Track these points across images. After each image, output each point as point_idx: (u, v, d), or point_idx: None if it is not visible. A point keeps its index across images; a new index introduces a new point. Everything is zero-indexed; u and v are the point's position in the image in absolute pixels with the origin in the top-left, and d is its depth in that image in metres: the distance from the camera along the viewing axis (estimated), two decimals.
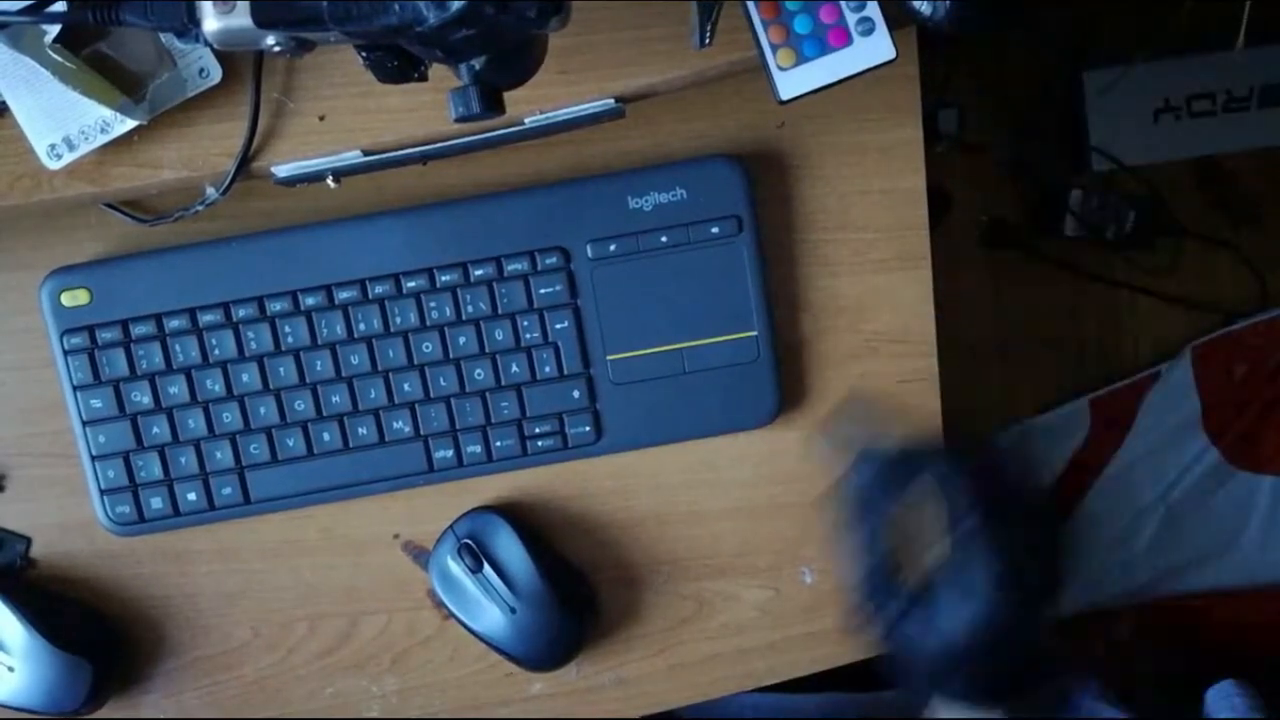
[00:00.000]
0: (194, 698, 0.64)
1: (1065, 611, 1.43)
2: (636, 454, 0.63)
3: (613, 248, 0.59)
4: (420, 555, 0.63)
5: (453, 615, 0.60)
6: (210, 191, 0.55)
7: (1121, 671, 1.36)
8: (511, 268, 0.59)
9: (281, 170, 0.54)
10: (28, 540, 0.62)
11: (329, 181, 0.55)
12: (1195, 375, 1.42)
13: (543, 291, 0.59)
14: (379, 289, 0.59)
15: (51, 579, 0.62)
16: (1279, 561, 1.41)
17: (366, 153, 0.54)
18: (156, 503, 0.60)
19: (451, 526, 0.60)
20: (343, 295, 0.59)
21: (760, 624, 0.64)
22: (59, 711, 0.59)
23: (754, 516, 0.64)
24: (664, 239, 0.59)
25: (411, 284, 0.59)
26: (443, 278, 0.59)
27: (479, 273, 0.59)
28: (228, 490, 0.60)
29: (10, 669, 0.58)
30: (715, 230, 0.59)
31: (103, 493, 0.60)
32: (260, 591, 0.63)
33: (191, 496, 0.60)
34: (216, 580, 0.63)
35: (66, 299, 0.58)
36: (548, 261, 0.59)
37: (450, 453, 0.60)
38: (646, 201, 0.59)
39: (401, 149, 0.54)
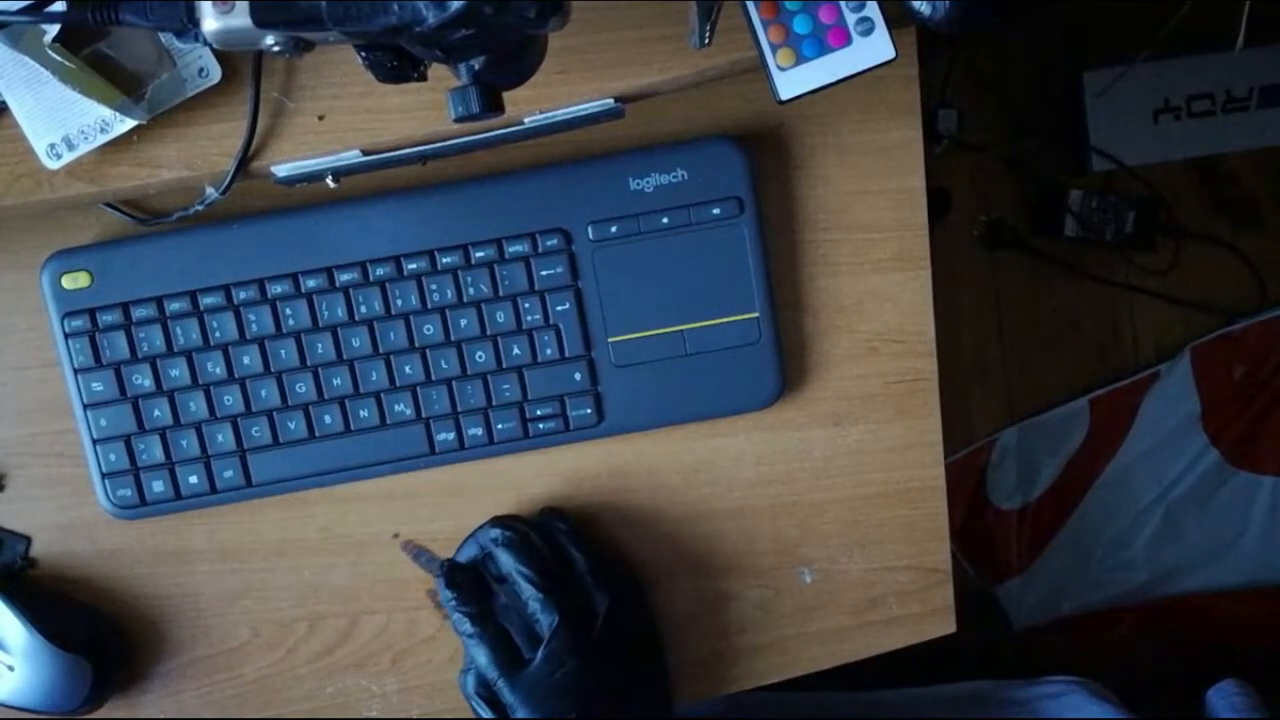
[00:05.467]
0: (194, 697, 0.64)
1: (1065, 611, 1.44)
2: (635, 454, 0.63)
3: (614, 229, 0.59)
4: (420, 555, 0.63)
5: None
6: (210, 191, 0.55)
7: (1121, 671, 1.36)
8: (512, 249, 0.59)
9: (281, 170, 0.54)
10: (28, 540, 0.62)
11: (329, 181, 0.55)
12: (1195, 375, 1.42)
13: (544, 273, 0.59)
14: (380, 271, 0.59)
15: (51, 579, 0.62)
16: (1278, 561, 1.41)
17: (366, 152, 0.54)
18: (158, 486, 0.60)
19: None
20: (344, 277, 0.59)
21: (760, 624, 0.64)
22: (59, 711, 0.59)
23: (754, 516, 0.64)
24: (665, 220, 0.59)
25: (412, 266, 0.59)
26: (443, 260, 0.59)
27: (480, 254, 0.59)
28: (229, 473, 0.60)
29: (10, 668, 0.58)
30: (716, 211, 0.59)
31: (104, 476, 0.60)
32: (260, 591, 0.63)
33: (193, 479, 0.60)
34: (216, 580, 0.63)
35: (67, 281, 0.58)
36: (549, 243, 0.59)
37: (451, 435, 0.60)
38: (647, 183, 0.59)
39: (401, 149, 0.54)
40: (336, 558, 0.63)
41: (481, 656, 0.57)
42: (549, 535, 0.60)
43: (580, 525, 0.62)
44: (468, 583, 0.59)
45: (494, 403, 0.60)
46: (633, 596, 0.62)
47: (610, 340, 0.60)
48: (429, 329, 0.59)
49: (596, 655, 0.57)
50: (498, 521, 0.60)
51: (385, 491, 0.62)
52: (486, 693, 0.57)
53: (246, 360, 0.59)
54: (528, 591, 0.57)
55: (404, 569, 0.63)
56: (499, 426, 0.60)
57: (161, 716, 0.63)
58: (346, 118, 0.53)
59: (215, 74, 0.52)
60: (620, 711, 0.57)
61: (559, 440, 0.61)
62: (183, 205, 0.57)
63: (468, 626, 0.57)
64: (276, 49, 0.38)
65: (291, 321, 0.59)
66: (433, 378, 0.60)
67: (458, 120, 0.40)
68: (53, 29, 0.47)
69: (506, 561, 0.58)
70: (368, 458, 0.60)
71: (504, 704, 0.56)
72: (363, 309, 0.59)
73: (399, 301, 0.59)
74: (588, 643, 0.57)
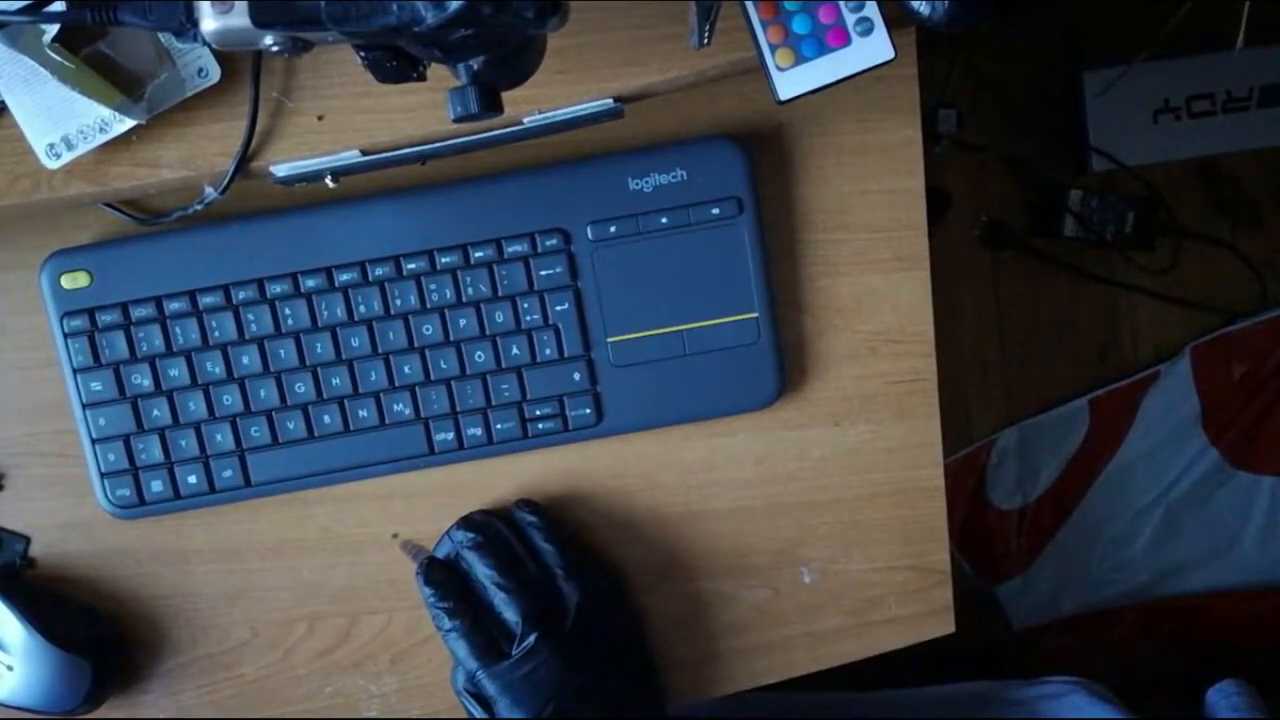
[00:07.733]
0: (193, 697, 0.64)
1: (1065, 611, 1.44)
2: (635, 454, 0.63)
3: (613, 229, 0.59)
4: (419, 555, 0.63)
5: None
6: (209, 191, 0.55)
7: (1121, 671, 1.36)
8: (512, 249, 0.59)
9: (280, 170, 0.54)
10: (27, 540, 0.62)
11: (328, 181, 0.55)
12: (1195, 375, 1.42)
13: (543, 273, 0.59)
14: (379, 271, 0.59)
15: (51, 578, 0.62)
16: (1278, 561, 1.41)
17: (365, 152, 0.54)
18: (157, 485, 0.60)
19: None
20: (343, 277, 0.59)
21: (760, 624, 0.64)
22: (58, 711, 0.59)
23: (754, 516, 0.64)
24: (664, 220, 0.59)
25: (412, 266, 0.59)
26: (443, 260, 0.59)
27: (479, 254, 0.59)
28: (228, 473, 0.60)
29: (9, 668, 0.58)
30: (716, 211, 0.59)
31: (103, 476, 0.60)
32: (260, 591, 0.63)
33: (192, 479, 0.60)
34: (216, 580, 0.63)
35: (66, 281, 0.58)
36: (548, 243, 0.59)
37: (450, 435, 0.60)
38: (647, 183, 0.59)
39: (400, 149, 0.54)
40: (336, 558, 0.63)
41: (460, 650, 0.57)
42: (520, 529, 0.61)
43: (555, 518, 0.62)
44: (445, 578, 0.59)
45: (493, 403, 0.60)
46: (609, 590, 0.62)
47: (609, 340, 0.60)
48: (428, 329, 0.59)
49: (572, 649, 0.57)
50: (465, 524, 0.60)
51: (384, 491, 0.62)
52: (474, 688, 0.58)
53: (246, 360, 0.59)
54: (494, 594, 0.58)
55: (403, 569, 0.63)
56: (498, 426, 0.60)
57: (161, 716, 0.63)
58: (346, 118, 0.53)
59: (214, 74, 0.52)
60: (601, 705, 0.57)
61: (558, 440, 0.61)
62: (182, 205, 0.57)
63: (445, 621, 0.57)
64: (276, 49, 0.38)
65: (291, 321, 0.59)
66: (432, 378, 0.60)
67: (457, 120, 0.40)
68: (52, 29, 0.47)
69: (474, 565, 0.59)
70: (367, 458, 0.60)
71: (487, 697, 0.57)
72: (362, 309, 0.59)
73: (398, 301, 0.59)
74: (560, 637, 0.57)
